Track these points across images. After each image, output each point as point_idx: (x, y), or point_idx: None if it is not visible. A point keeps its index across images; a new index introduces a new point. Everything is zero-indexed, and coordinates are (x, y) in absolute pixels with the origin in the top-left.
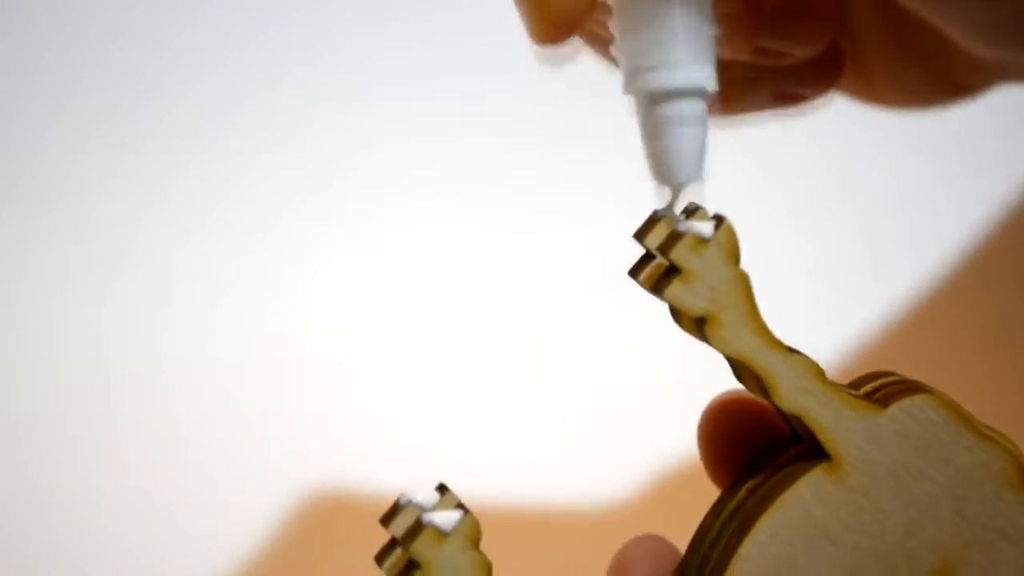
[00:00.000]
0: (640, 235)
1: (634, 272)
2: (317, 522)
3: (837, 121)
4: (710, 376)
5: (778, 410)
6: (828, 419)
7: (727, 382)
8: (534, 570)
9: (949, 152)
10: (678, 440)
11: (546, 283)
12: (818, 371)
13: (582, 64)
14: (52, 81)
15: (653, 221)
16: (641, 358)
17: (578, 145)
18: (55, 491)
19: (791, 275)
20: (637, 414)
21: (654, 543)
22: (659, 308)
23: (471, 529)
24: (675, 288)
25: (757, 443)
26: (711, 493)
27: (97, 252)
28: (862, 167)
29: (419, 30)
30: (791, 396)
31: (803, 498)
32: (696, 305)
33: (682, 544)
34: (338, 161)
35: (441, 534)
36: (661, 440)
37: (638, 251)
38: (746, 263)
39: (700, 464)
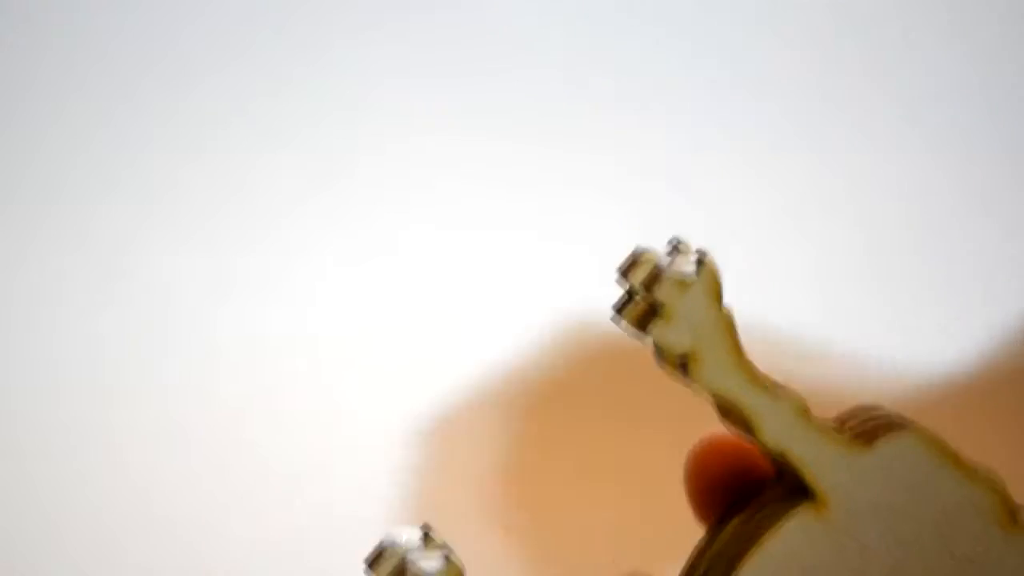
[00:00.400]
0: (624, 272)
1: (619, 309)
2: (317, 523)
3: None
4: None
5: (762, 448)
6: (812, 457)
7: None
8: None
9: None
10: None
11: (551, 285)
12: (803, 408)
13: (583, 66)
14: (53, 81)
15: (636, 258)
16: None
17: (584, 147)
18: (56, 492)
19: (794, 276)
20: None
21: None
22: None
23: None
24: (658, 327)
25: (743, 483)
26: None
27: (98, 254)
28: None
29: (421, 30)
30: (774, 435)
31: (788, 537)
32: (679, 343)
33: None
34: (340, 163)
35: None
36: (664, 446)
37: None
38: (750, 265)
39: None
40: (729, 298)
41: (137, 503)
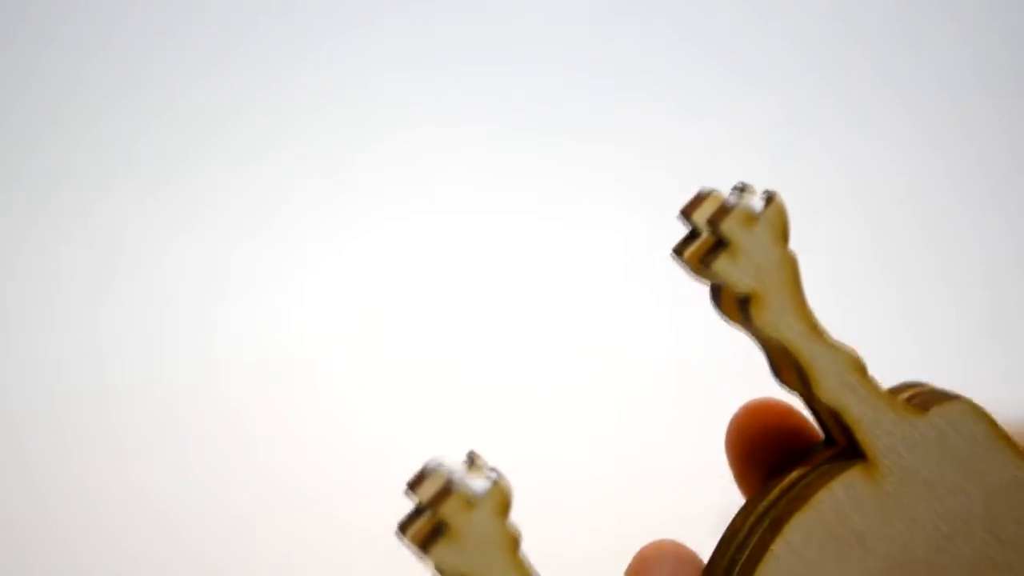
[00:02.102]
0: (687, 211)
1: (678, 250)
2: (316, 521)
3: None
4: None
5: (814, 404)
6: (868, 417)
7: (758, 381)
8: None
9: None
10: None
11: (554, 277)
12: (861, 366)
13: (591, 60)
14: (52, 80)
15: (701, 197)
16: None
17: (589, 138)
18: (55, 490)
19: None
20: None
21: (673, 547)
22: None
23: (502, 497)
24: (723, 262)
25: (787, 449)
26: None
27: (97, 250)
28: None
29: (418, 25)
30: (832, 388)
31: (838, 499)
32: (742, 282)
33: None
34: (337, 158)
35: (470, 500)
36: (691, 441)
37: (650, 247)
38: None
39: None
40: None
41: (135, 498)
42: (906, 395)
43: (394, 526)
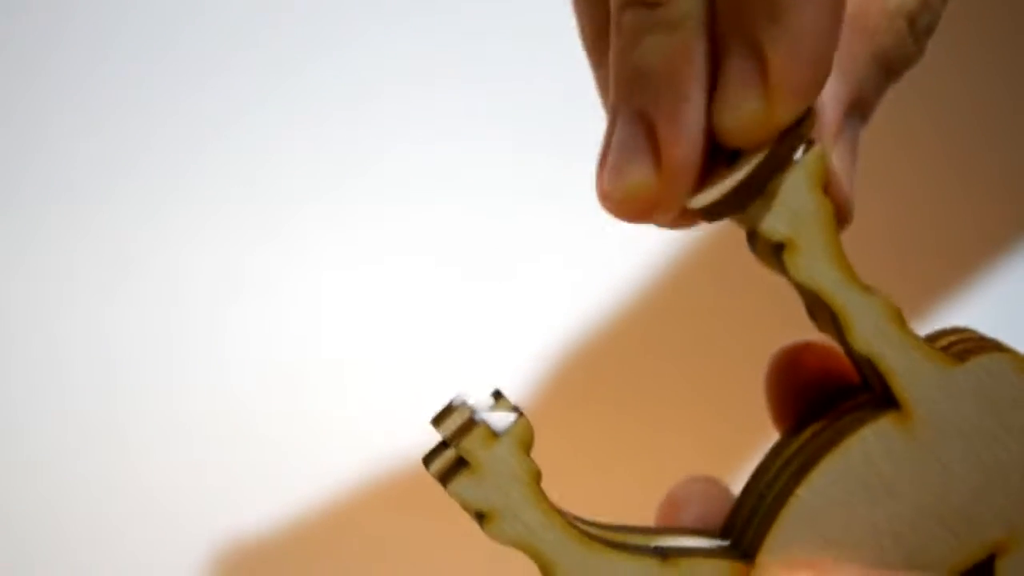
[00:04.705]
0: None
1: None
2: (330, 520)
3: None
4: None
5: (850, 351)
6: (902, 365)
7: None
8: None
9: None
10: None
11: (564, 284)
12: (897, 314)
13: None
14: (58, 78)
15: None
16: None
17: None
18: (61, 491)
19: None
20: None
21: (706, 483)
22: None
23: (524, 433)
24: (757, 208)
25: (824, 390)
26: None
27: (104, 251)
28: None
29: (433, 28)
30: (866, 336)
31: (868, 445)
32: (777, 229)
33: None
34: (350, 160)
35: (492, 434)
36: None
37: (655, 249)
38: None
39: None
40: (737, 298)
41: (143, 500)
42: (944, 343)
43: (396, 527)
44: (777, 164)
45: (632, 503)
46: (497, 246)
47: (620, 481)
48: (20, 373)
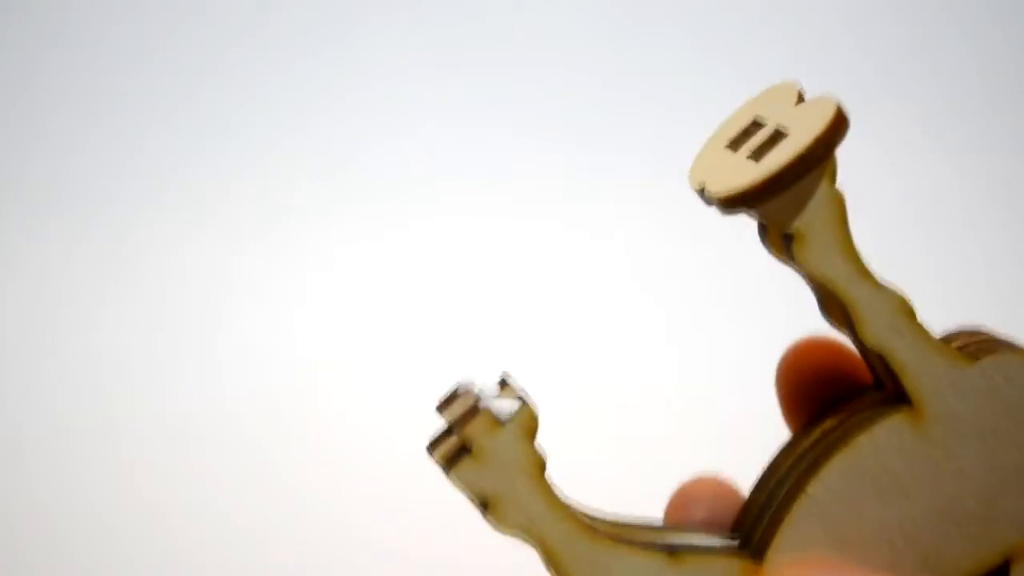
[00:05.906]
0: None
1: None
2: (327, 519)
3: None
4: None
5: (861, 345)
6: (915, 362)
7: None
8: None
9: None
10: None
11: (563, 283)
12: (909, 310)
13: (604, 66)
14: (53, 83)
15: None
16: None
17: (599, 144)
18: (56, 491)
19: None
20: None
21: (715, 482)
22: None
23: (528, 420)
24: (768, 203)
25: (837, 387)
26: None
27: (99, 252)
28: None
29: (428, 30)
30: (878, 332)
31: (880, 444)
32: (786, 220)
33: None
34: (343, 161)
35: (496, 421)
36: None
37: (658, 245)
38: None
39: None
40: (741, 301)
41: (137, 501)
42: (959, 343)
43: (395, 528)
44: (812, 162)
45: (640, 500)
46: (497, 246)
47: (628, 478)
48: (12, 375)
